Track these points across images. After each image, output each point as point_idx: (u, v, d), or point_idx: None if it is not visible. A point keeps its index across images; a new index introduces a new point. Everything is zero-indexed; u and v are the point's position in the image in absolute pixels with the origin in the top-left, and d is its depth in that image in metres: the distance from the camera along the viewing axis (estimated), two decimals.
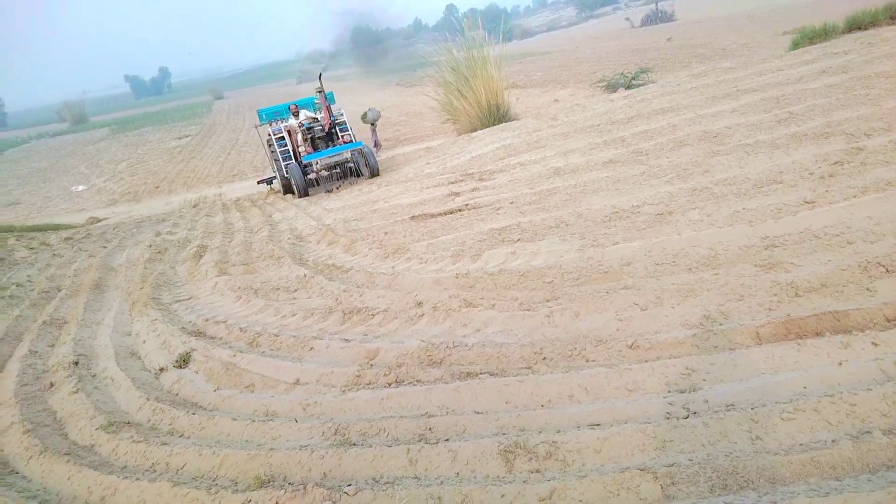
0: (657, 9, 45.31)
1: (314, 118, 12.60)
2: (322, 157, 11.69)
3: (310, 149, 12.19)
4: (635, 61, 22.55)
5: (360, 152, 12.10)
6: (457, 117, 15.60)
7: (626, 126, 8.93)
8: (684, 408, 2.67)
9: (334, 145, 12.39)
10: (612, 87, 17.75)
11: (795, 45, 12.22)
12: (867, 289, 3.26)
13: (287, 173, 12.07)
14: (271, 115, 13.64)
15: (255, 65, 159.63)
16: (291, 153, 12.26)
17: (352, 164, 12.22)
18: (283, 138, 12.41)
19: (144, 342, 5.08)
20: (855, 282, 3.36)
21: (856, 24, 12.24)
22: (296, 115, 12.78)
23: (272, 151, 12.72)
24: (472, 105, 14.63)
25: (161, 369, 4.49)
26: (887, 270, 3.39)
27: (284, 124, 12.65)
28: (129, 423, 3.73)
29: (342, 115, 13.02)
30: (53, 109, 70.47)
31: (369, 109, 16.04)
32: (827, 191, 4.73)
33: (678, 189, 5.69)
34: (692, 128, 7.71)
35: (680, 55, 22.76)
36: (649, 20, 44.13)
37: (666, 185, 5.97)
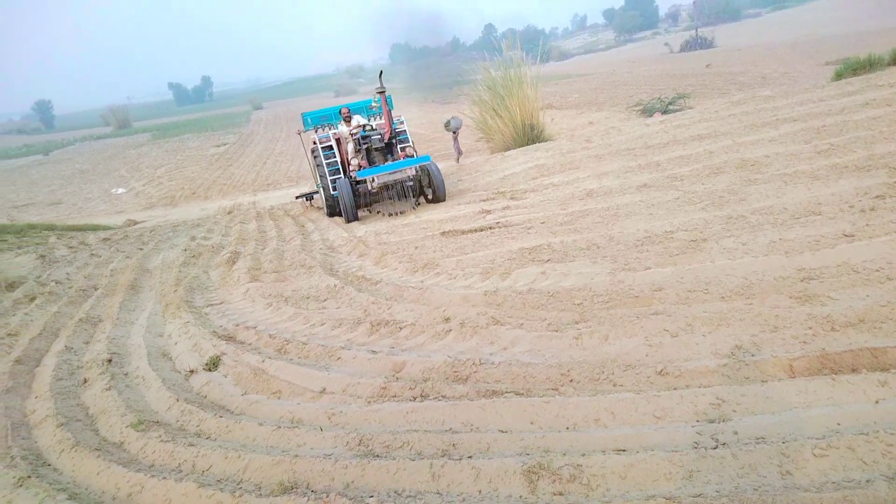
0: (697, 35, 45.07)
1: (370, 126, 10.43)
2: (380, 174, 9.28)
3: (364, 162, 9.89)
4: (673, 86, 22.44)
5: (427, 170, 9.69)
6: (491, 136, 15.68)
7: (661, 151, 8.87)
8: (713, 438, 2.63)
9: (394, 159, 10.02)
10: (648, 112, 17.69)
11: (838, 76, 12.03)
12: None
13: (334, 190, 10.22)
14: (318, 120, 11.67)
15: (294, 77, 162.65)
16: (340, 166, 10.40)
17: (411, 184, 9.71)
18: (331, 147, 10.54)
19: (176, 344, 5.18)
20: (894, 319, 3.28)
21: None
22: (347, 120, 10.76)
23: (316, 163, 10.79)
24: (507, 124, 14.70)
25: (191, 371, 4.57)
26: None
27: (333, 131, 10.87)
28: (158, 422, 3.80)
29: (402, 122, 11.01)
30: (99, 113, 72.82)
31: (452, 117, 14.88)
32: (867, 224, 4.63)
33: (713, 216, 5.62)
34: (729, 155, 7.63)
35: (718, 82, 22.59)
36: (689, 46, 43.94)
37: (701, 211, 5.91)
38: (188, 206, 16.38)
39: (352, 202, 9.47)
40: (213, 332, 5.20)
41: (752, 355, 3.23)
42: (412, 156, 10.10)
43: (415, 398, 3.53)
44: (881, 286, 3.69)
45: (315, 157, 10.80)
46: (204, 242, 9.51)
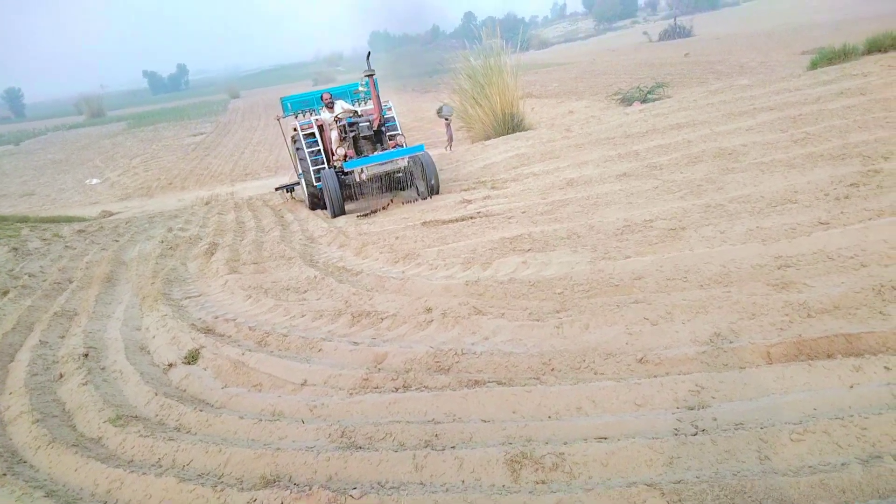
0: (675, 24, 45.32)
1: (355, 112, 9.58)
2: (370, 165, 8.47)
3: (351, 152, 9.14)
4: (652, 75, 22.56)
5: (420, 161, 8.85)
6: (471, 125, 15.65)
7: (640, 140, 8.92)
8: (693, 425, 2.66)
9: (383, 148, 9.22)
10: (627, 101, 17.78)
11: (814, 65, 12.16)
12: (880, 312, 3.24)
13: (317, 181, 9.37)
14: (298, 105, 10.80)
15: (272, 65, 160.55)
16: (323, 155, 9.62)
17: (402, 175, 9.11)
18: (313, 135, 9.75)
19: (154, 337, 5.11)
20: (868, 305, 3.34)
21: (876, 47, 12.16)
22: (330, 106, 9.90)
23: (297, 152, 9.99)
24: (487, 113, 14.68)
25: (170, 365, 4.52)
26: None
27: (316, 117, 9.96)
28: (136, 417, 3.75)
29: (391, 108, 10.22)
30: (71, 102, 71.37)
31: (444, 104, 14.77)
32: (842, 212, 4.71)
33: (691, 205, 5.67)
34: (707, 144, 7.70)
35: (697, 71, 22.76)
36: (667, 35, 44.15)
37: (679, 200, 5.96)
38: (164, 197, 16.14)
39: (338, 195, 8.80)
40: (192, 324, 5.14)
41: (731, 342, 3.27)
42: (402, 145, 9.43)
43: (397, 389, 3.52)
44: (855, 273, 3.76)
45: (296, 146, 10.02)
46: (181, 234, 9.39)
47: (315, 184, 9.44)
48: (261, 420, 3.39)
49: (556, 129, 12.16)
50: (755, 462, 2.38)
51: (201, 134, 31.79)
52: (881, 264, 3.79)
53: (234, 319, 5.12)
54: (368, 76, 8.88)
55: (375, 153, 8.95)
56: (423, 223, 7.26)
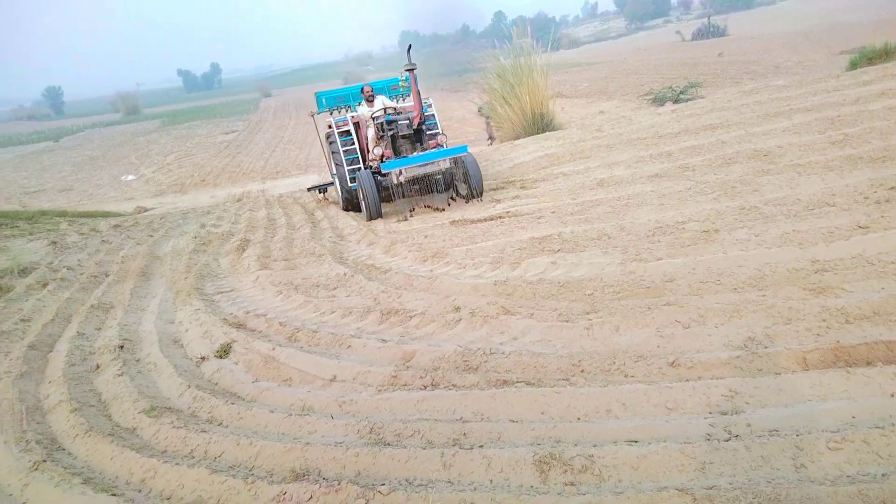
0: (709, 23, 44.58)
1: (395, 109, 9.09)
2: (410, 166, 7.84)
3: (389, 151, 8.58)
4: (684, 75, 22.23)
5: (462, 162, 8.34)
6: (500, 124, 15.61)
7: (672, 140, 8.81)
8: (726, 430, 2.62)
9: (423, 148, 8.70)
10: (659, 101, 17.56)
11: (853, 66, 11.89)
12: None
13: (352, 182, 8.98)
14: (334, 101, 10.23)
15: (303, 64, 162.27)
16: (359, 155, 9.14)
17: (440, 177, 8.56)
18: (348, 133, 9.23)
19: (187, 331, 5.20)
20: None
21: None
22: (370, 100, 9.34)
23: (332, 150, 9.53)
24: (517, 113, 14.62)
25: (202, 358, 4.59)
26: None
27: (352, 114, 9.44)
28: (170, 408, 3.82)
29: (430, 106, 9.57)
30: (108, 100, 73.06)
31: (485, 102, 14.61)
32: (882, 216, 4.59)
33: (725, 207, 5.58)
34: (742, 145, 7.56)
35: (731, 71, 22.38)
36: (700, 34, 43.48)
37: (713, 202, 5.86)
38: (197, 194, 16.42)
39: (376, 198, 8.26)
40: (224, 319, 5.23)
41: (766, 347, 3.21)
42: (443, 145, 8.81)
43: (425, 387, 3.53)
44: None
45: (330, 144, 9.54)
46: (214, 230, 9.54)
47: (350, 185, 9.06)
48: (290, 414, 3.43)
49: (586, 129, 12.07)
50: (790, 470, 2.33)
51: (233, 132, 32.27)
52: None
53: (265, 315, 5.18)
54: (409, 70, 8.39)
55: (415, 153, 8.40)
56: (452, 222, 7.26)
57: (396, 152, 8.61)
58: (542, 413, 3.07)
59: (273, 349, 4.39)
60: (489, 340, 3.98)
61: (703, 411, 2.81)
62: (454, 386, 3.48)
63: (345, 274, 5.92)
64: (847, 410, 2.58)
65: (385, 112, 8.87)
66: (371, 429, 3.12)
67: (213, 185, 17.67)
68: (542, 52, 15.01)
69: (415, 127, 8.64)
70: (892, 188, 5.14)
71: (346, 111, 9.97)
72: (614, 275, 4.57)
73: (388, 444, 2.96)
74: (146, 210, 14.06)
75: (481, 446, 2.83)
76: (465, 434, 2.96)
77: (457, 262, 5.72)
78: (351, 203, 9.36)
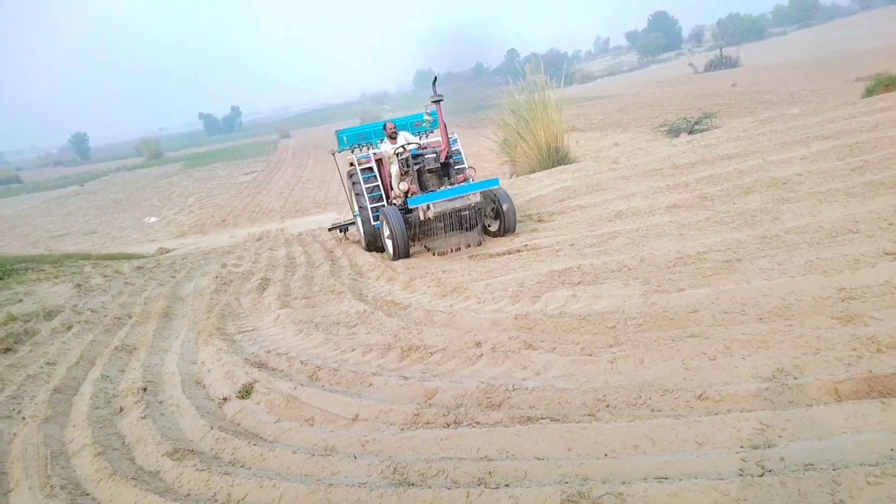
0: (721, 54, 44.85)
1: (419, 144, 8.92)
2: (438, 201, 7.55)
3: (415, 186, 8.25)
4: (698, 106, 22.31)
5: (494, 196, 8.12)
6: (516, 159, 15.72)
7: (689, 171, 8.79)
8: (759, 465, 2.55)
9: (450, 183, 8.30)
10: (674, 132, 17.59)
11: (869, 92, 11.85)
12: None
13: (375, 220, 8.73)
14: (355, 139, 10.09)
15: (321, 104, 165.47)
16: (383, 193, 8.97)
17: (467, 213, 8.02)
18: (371, 170, 9.06)
19: (209, 371, 5.22)
20: None
21: None
22: (392, 137, 9.20)
23: (354, 189, 9.23)
24: (532, 147, 14.72)
25: (224, 399, 4.59)
26: None
27: (374, 150, 9.29)
28: (192, 450, 3.81)
29: (456, 140, 9.33)
30: (132, 145, 74.96)
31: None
32: None
33: (746, 236, 5.53)
34: (760, 174, 7.53)
35: (745, 101, 22.41)
36: (713, 66, 43.69)
37: (733, 231, 5.82)
38: (218, 234, 16.64)
39: (404, 235, 7.89)
40: (245, 359, 5.24)
41: (795, 378, 3.14)
42: (471, 179, 8.56)
43: (448, 425, 3.49)
44: None
45: (353, 184, 9.23)
46: (234, 269, 9.64)
47: (373, 223, 8.76)
48: (313, 455, 3.40)
49: (601, 162, 12.11)
50: None
51: (253, 172, 32.82)
52: None
53: (286, 354, 5.19)
54: (436, 102, 8.04)
55: (443, 188, 8.03)
56: (470, 256, 7.28)
57: (423, 187, 8.27)
58: (569, 450, 3.01)
59: (295, 388, 4.38)
60: (511, 376, 3.94)
61: (734, 445, 2.74)
62: (477, 423, 3.43)
63: (364, 311, 5.93)
64: (885, 443, 2.50)
65: (412, 146, 8.65)
66: (395, 469, 3.08)
67: (233, 225, 17.90)
68: (555, 88, 15.17)
69: (442, 160, 8.24)
70: None
71: (368, 148, 9.81)
72: (636, 306, 4.53)
73: (413, 485, 2.92)
74: (168, 251, 14.26)
75: (507, 485, 2.77)
76: (490, 473, 2.91)
77: (476, 297, 5.70)
78: (374, 242, 8.99)
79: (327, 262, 8.89)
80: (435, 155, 8.17)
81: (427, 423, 3.58)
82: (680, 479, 2.53)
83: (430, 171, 8.24)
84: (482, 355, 4.33)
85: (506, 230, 8.05)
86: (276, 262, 9.73)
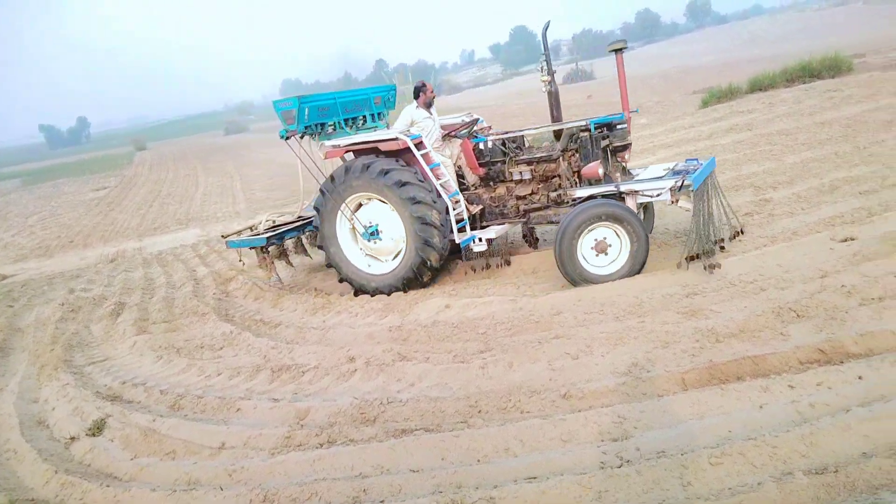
0: (577, 68, 47.70)
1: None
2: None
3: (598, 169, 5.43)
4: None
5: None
6: None
7: None
8: (618, 456, 2.70)
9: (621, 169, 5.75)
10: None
11: (705, 104, 13.09)
12: (781, 333, 3.43)
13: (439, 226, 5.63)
14: (316, 115, 6.32)
15: (180, 115, 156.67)
16: (440, 186, 5.82)
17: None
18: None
19: (54, 409, 4.72)
20: (770, 327, 3.54)
21: (757, 86, 13.27)
22: (427, 104, 6.41)
23: (400, 184, 5.64)
24: None
25: (72, 438, 4.17)
26: (798, 315, 3.59)
27: (417, 124, 6.24)
28: (33, 500, 3.43)
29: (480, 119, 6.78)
30: None
31: None
32: (740, 241, 5.01)
33: None
34: None
35: (600, 112, 23.91)
36: (570, 78, 46.30)
37: None
38: (65, 256, 15.18)
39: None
40: (97, 392, 4.80)
41: (648, 371, 3.37)
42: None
43: (321, 445, 3.40)
44: (756, 297, 3.97)
45: (402, 180, 5.65)
46: (84, 294, 8.81)
47: (450, 236, 5.76)
48: (175, 491, 3.17)
49: None
50: (679, 489, 2.43)
51: (105, 188, 30.35)
52: (778, 287, 4.04)
53: (144, 383, 4.82)
54: (617, 51, 5.48)
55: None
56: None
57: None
58: (443, 459, 3.03)
59: (153, 420, 4.07)
60: (386, 389, 3.92)
61: (595, 440, 2.89)
62: (351, 441, 3.37)
63: (231, 332, 5.64)
64: (724, 426, 2.74)
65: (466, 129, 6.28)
66: (265, 497, 2.94)
67: (83, 245, 16.40)
68: None
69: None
70: (746, 214, 5.65)
71: (334, 130, 6.52)
72: (505, 312, 4.66)
73: None
74: (5, 277, 12.79)
75: (382, 501, 2.74)
76: (364, 490, 2.86)
77: (348, 311, 5.62)
78: (422, 267, 5.72)
79: (190, 282, 8.37)
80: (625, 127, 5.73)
81: (299, 446, 3.46)
82: (547, 478, 2.62)
83: (615, 148, 5.73)
84: (356, 370, 4.27)
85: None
86: (132, 285, 9.02)
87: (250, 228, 7.42)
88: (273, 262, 6.94)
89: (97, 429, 4.19)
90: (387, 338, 4.76)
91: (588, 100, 26.06)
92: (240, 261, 7.50)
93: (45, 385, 5.25)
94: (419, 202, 5.53)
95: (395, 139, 5.71)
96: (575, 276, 4.88)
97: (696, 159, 5.39)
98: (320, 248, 6.26)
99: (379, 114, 7.17)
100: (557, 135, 6.06)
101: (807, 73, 13.18)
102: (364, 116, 6.88)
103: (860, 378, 2.89)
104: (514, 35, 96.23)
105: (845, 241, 4.58)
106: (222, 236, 7.89)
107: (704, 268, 4.50)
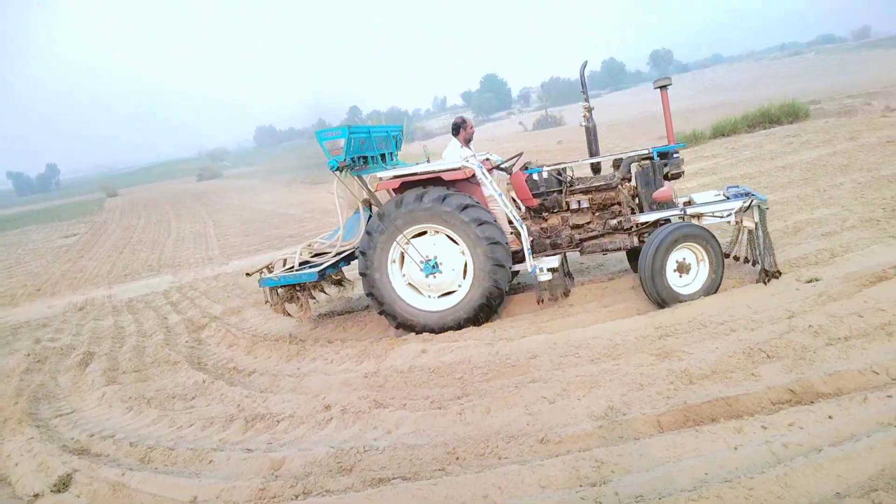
0: (547, 114, 48.87)
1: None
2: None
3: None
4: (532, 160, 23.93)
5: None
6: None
7: None
8: (596, 502, 2.70)
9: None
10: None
11: None
12: (752, 374, 3.50)
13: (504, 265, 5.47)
14: (358, 147, 6.02)
15: (152, 161, 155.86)
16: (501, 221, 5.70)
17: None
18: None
19: (17, 465, 4.55)
20: (741, 368, 3.60)
21: (720, 132, 13.76)
22: (467, 140, 6.47)
23: (475, 221, 5.44)
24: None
25: (35, 495, 4.02)
26: (768, 356, 3.67)
27: (467, 158, 5.91)
28: None
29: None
30: None
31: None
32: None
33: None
34: None
35: (571, 155, 24.43)
36: (540, 124, 47.37)
37: None
38: (32, 305, 14.80)
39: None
40: (63, 446, 4.65)
41: (624, 414, 3.39)
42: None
43: (297, 497, 3.33)
44: (727, 338, 4.05)
45: (464, 203, 5.50)
46: (51, 344, 8.59)
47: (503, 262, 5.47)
48: None
49: None
50: None
51: (74, 235, 29.85)
52: (748, 328, 4.13)
53: (113, 436, 4.69)
54: (662, 87, 6.01)
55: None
56: (318, 315, 7.11)
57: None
58: None
59: (122, 474, 3.95)
60: (362, 437, 3.87)
61: (574, 485, 2.88)
62: (327, 492, 3.31)
63: (204, 381, 5.54)
64: (700, 468, 2.77)
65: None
66: None
67: (50, 294, 16.03)
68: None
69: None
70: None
71: (365, 165, 6.18)
72: (482, 356, 4.67)
73: None
74: None
75: None
76: None
77: (323, 358, 5.57)
78: (496, 297, 5.54)
79: (161, 330, 8.22)
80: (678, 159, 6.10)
81: (273, 498, 3.38)
82: None
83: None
84: (332, 419, 4.22)
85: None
86: (101, 334, 8.82)
87: (267, 268, 6.70)
88: (307, 301, 6.41)
89: (63, 485, 4.04)
90: (363, 384, 4.72)
91: (559, 145, 26.64)
92: (266, 301, 6.64)
93: (9, 440, 5.07)
94: (484, 223, 5.38)
95: (460, 168, 5.57)
96: (664, 295, 4.93)
97: (738, 186, 5.66)
98: (363, 275, 5.76)
99: (391, 153, 7.12)
100: (616, 164, 6.27)
101: (767, 119, 13.74)
102: (383, 154, 6.68)
103: (830, 418, 2.95)
104: (484, 83, 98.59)
105: (810, 281, 4.72)
106: (247, 274, 7.15)
107: (766, 279, 4.84)
